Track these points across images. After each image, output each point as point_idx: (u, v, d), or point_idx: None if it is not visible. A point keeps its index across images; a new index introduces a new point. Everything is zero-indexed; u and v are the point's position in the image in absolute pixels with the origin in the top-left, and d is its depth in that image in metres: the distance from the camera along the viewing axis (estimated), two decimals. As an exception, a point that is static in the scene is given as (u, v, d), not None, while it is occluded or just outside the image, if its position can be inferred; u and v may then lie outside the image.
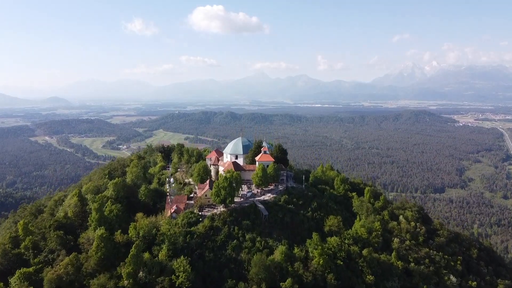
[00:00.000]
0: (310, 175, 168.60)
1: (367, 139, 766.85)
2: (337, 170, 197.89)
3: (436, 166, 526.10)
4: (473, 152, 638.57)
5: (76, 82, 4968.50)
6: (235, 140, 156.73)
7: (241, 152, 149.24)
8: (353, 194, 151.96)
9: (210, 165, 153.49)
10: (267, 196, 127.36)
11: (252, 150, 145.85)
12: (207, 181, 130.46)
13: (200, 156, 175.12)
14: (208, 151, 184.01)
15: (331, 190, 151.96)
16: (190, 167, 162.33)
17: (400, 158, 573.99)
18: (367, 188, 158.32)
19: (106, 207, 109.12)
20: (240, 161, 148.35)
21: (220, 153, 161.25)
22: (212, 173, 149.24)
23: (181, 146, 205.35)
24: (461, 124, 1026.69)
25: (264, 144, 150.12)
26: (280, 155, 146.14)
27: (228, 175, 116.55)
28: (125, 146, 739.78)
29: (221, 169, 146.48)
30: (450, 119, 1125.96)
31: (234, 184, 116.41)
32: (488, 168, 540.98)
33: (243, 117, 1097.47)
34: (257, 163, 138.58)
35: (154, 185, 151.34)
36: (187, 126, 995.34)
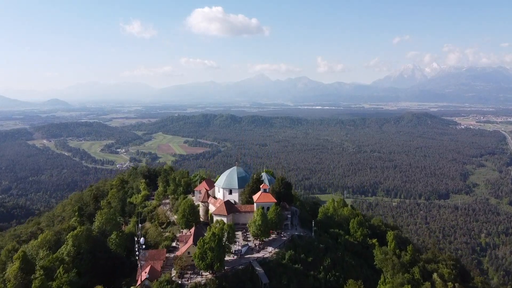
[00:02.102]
0: (319, 210, 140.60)
1: (368, 142, 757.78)
2: (352, 206, 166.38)
3: (440, 171, 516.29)
4: (476, 155, 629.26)
5: (77, 84, 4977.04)
6: (228, 171, 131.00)
7: (236, 186, 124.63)
8: (374, 241, 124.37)
9: (199, 201, 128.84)
10: (268, 252, 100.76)
11: (249, 184, 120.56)
12: (192, 230, 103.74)
13: (189, 186, 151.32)
14: (198, 178, 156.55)
15: (347, 236, 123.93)
16: (177, 199, 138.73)
17: (402, 162, 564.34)
18: (390, 235, 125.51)
19: (57, 277, 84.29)
20: (235, 196, 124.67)
21: (211, 184, 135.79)
22: (201, 212, 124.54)
23: (167, 171, 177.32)
24: (463, 127, 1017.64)
25: (263, 176, 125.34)
26: (284, 190, 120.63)
27: (216, 229, 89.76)
28: (123, 150, 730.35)
29: (211, 207, 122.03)
30: (451, 121, 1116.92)
31: (225, 239, 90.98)
32: (492, 173, 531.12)
33: (243, 120, 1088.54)
34: (255, 205, 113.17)
35: (131, 225, 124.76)
36: (186, 129, 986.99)
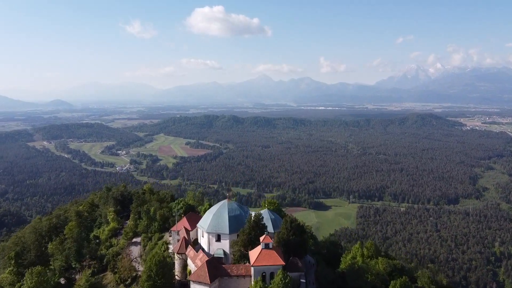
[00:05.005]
0: (342, 260, 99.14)
1: (373, 144, 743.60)
2: (386, 254, 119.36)
3: (448, 174, 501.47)
4: (484, 158, 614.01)
5: (79, 85, 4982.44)
6: (216, 208, 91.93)
7: (227, 231, 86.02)
8: None
9: (174, 251, 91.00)
10: None
11: (245, 231, 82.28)
12: None
13: (167, 221, 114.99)
14: (179, 211, 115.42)
15: None
16: (150, 239, 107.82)
17: (409, 165, 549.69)
18: None
19: None
20: (225, 245, 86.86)
21: (195, 220, 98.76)
22: (177, 268, 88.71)
23: (141, 198, 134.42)
24: (468, 128, 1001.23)
25: (264, 217, 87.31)
26: (294, 238, 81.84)
27: None
28: (124, 152, 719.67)
29: (190, 264, 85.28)
30: (457, 122, 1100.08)
31: None
32: (502, 176, 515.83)
33: (246, 121, 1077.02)
34: (252, 269, 75.12)
35: (83, 279, 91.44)
36: (188, 130, 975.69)
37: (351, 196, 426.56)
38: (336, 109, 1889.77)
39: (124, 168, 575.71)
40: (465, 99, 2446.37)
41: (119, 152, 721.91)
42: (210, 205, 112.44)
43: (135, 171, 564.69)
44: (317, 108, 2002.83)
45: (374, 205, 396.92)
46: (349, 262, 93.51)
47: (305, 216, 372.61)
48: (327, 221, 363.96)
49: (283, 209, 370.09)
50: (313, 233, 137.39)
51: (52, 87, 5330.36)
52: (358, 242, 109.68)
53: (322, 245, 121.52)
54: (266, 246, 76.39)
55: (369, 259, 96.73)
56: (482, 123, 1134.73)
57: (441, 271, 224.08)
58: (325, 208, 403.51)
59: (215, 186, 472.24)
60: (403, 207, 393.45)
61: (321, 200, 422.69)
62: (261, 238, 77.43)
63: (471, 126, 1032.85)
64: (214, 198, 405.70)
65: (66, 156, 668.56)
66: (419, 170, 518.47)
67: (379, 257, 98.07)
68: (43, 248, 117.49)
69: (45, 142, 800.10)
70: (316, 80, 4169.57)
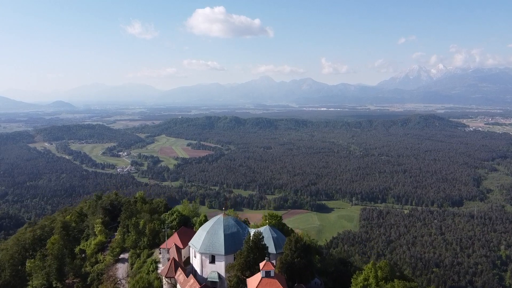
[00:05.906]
0: (353, 282, 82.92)
1: (376, 145, 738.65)
2: (402, 275, 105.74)
3: (451, 176, 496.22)
4: (487, 159, 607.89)
5: (81, 86, 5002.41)
6: (210, 224, 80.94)
7: (222, 252, 75.14)
8: None
9: (162, 273, 79.72)
10: None
11: (243, 253, 70.58)
12: None
13: (156, 236, 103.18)
14: (175, 217, 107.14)
15: None
16: (139, 255, 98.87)
17: (412, 166, 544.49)
18: None
19: None
20: (220, 267, 75.87)
21: (188, 236, 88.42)
22: None
23: (130, 208, 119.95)
24: (471, 129, 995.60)
25: (265, 235, 75.79)
26: (299, 260, 70.74)
27: None
28: (125, 153, 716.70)
29: None
30: (459, 123, 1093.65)
31: None
32: (506, 178, 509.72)
33: (248, 122, 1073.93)
34: None
35: None
36: (190, 131, 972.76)
37: (353, 198, 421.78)
38: (338, 110, 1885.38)
39: (125, 170, 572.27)
40: (468, 100, 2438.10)
41: (120, 153, 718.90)
42: (206, 217, 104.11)
43: (136, 172, 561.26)
44: (319, 109, 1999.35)
45: (377, 207, 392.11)
46: (361, 284, 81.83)
47: (307, 219, 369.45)
48: (330, 223, 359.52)
49: (285, 212, 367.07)
50: (318, 247, 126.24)
51: (54, 88, 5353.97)
52: (371, 261, 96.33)
53: (329, 262, 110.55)
54: (267, 274, 64.63)
55: (383, 281, 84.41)
56: (485, 124, 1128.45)
57: (447, 275, 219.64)
58: (328, 210, 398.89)
59: (217, 188, 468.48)
60: (406, 209, 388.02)
61: (323, 202, 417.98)
62: (261, 265, 65.57)
63: (474, 127, 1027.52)
64: (215, 200, 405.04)
65: (67, 157, 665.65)
66: (422, 172, 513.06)
67: (395, 279, 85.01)
68: (19, 266, 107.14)
69: (46, 144, 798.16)
70: (317, 81, 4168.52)
